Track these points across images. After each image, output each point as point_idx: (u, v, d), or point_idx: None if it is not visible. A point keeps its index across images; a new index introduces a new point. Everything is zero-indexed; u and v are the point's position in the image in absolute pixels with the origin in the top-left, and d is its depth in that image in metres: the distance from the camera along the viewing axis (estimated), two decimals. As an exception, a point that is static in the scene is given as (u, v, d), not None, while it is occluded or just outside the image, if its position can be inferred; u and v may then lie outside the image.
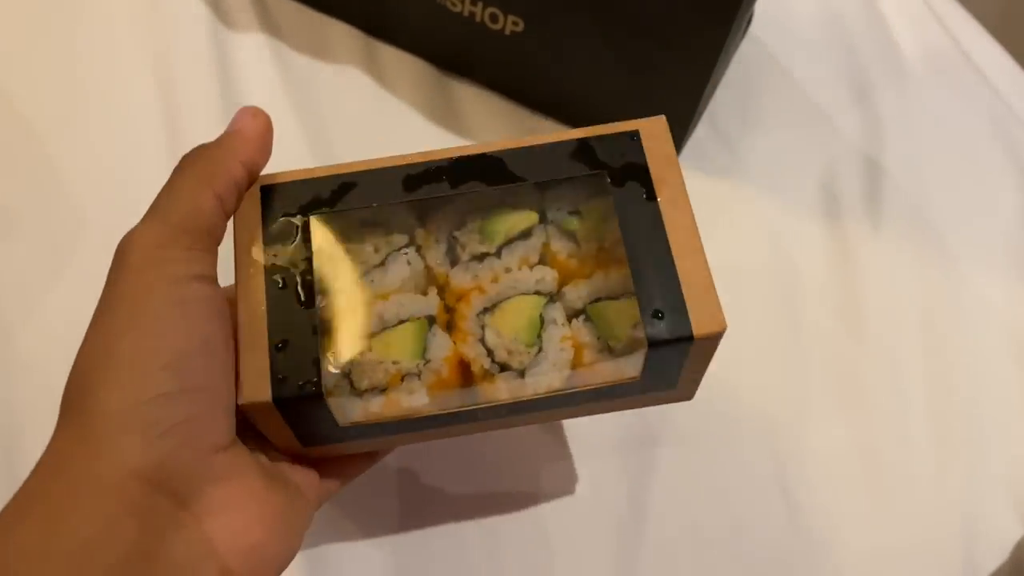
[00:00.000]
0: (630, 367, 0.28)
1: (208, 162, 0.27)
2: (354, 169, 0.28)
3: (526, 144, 0.29)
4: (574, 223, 0.30)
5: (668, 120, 0.45)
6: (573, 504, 0.39)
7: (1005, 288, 0.46)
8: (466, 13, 0.45)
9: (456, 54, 0.49)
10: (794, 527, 0.40)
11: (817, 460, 0.41)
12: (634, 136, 0.29)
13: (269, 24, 0.49)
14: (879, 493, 0.41)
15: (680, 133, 0.46)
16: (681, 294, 0.27)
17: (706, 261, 0.27)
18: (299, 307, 0.26)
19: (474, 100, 0.49)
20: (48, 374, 0.39)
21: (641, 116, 0.45)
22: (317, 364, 0.26)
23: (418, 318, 0.28)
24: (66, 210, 0.43)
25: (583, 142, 0.29)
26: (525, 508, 0.39)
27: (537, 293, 0.29)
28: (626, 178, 0.28)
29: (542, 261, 0.29)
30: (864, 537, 0.40)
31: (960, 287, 0.46)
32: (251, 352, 0.26)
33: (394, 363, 0.28)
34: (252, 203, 0.28)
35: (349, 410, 0.27)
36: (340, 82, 0.48)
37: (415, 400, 0.27)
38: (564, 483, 0.40)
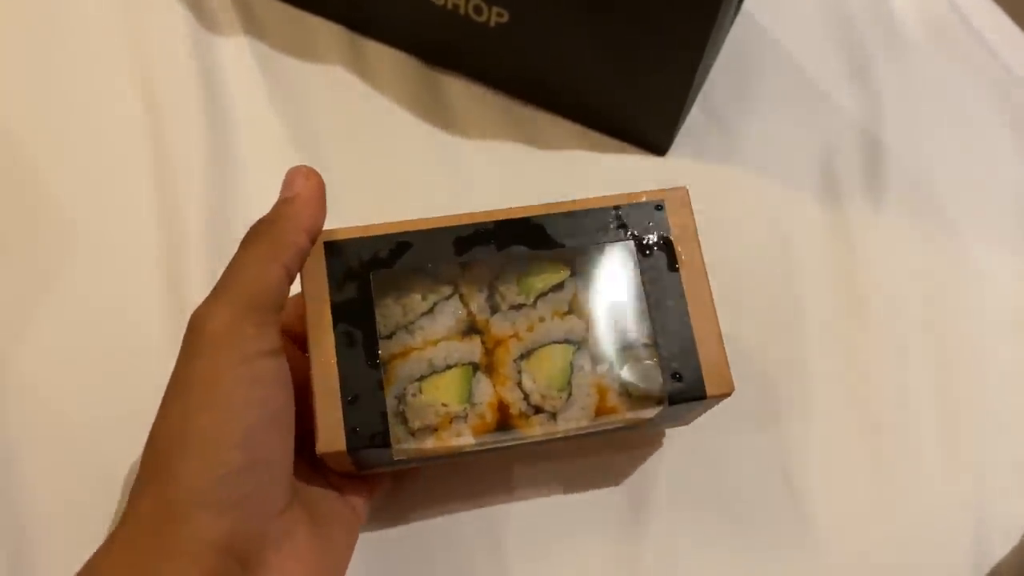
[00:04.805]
0: (647, 412, 0.32)
1: (273, 237, 0.29)
2: (408, 228, 0.32)
3: (564, 210, 0.32)
4: (602, 278, 0.33)
5: (659, 105, 0.45)
6: (573, 497, 0.39)
7: (1010, 263, 0.45)
8: (450, 6, 0.44)
9: (442, 47, 0.48)
10: (798, 514, 0.39)
11: (820, 446, 0.41)
12: (659, 206, 0.32)
13: (252, 25, 0.48)
14: (884, 477, 0.40)
15: (673, 118, 0.45)
16: (697, 358, 0.31)
17: (719, 329, 0.32)
18: (366, 365, 0.30)
19: (462, 93, 0.48)
20: (41, 394, 0.39)
21: (631, 102, 0.45)
22: (384, 416, 0.30)
23: (464, 364, 0.32)
24: (51, 223, 0.42)
25: (615, 210, 0.32)
26: (523, 502, 0.39)
27: (567, 341, 0.32)
28: (652, 248, 0.32)
29: (572, 311, 0.32)
30: (870, 523, 0.39)
31: (964, 263, 0.45)
32: (326, 404, 0.30)
33: (443, 406, 0.31)
34: (318, 260, 0.31)
35: (404, 447, 0.31)
36: (326, 80, 0.48)
37: (462, 440, 0.31)
38: (562, 477, 0.39)
